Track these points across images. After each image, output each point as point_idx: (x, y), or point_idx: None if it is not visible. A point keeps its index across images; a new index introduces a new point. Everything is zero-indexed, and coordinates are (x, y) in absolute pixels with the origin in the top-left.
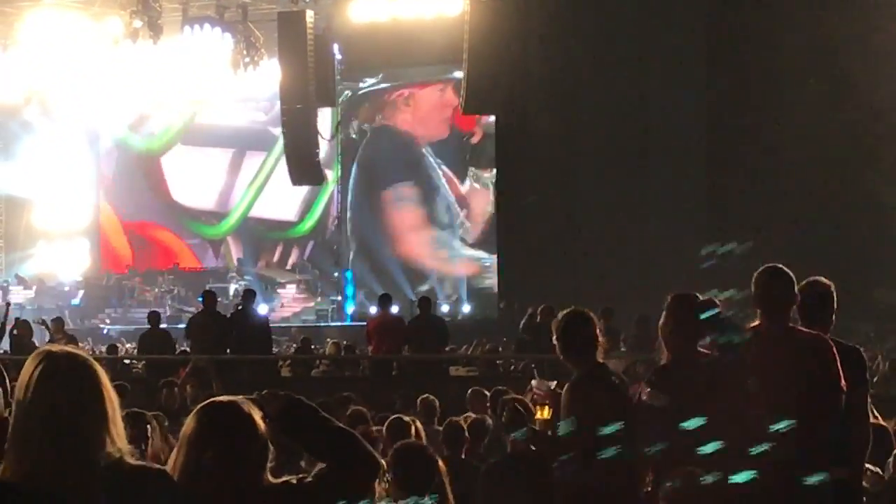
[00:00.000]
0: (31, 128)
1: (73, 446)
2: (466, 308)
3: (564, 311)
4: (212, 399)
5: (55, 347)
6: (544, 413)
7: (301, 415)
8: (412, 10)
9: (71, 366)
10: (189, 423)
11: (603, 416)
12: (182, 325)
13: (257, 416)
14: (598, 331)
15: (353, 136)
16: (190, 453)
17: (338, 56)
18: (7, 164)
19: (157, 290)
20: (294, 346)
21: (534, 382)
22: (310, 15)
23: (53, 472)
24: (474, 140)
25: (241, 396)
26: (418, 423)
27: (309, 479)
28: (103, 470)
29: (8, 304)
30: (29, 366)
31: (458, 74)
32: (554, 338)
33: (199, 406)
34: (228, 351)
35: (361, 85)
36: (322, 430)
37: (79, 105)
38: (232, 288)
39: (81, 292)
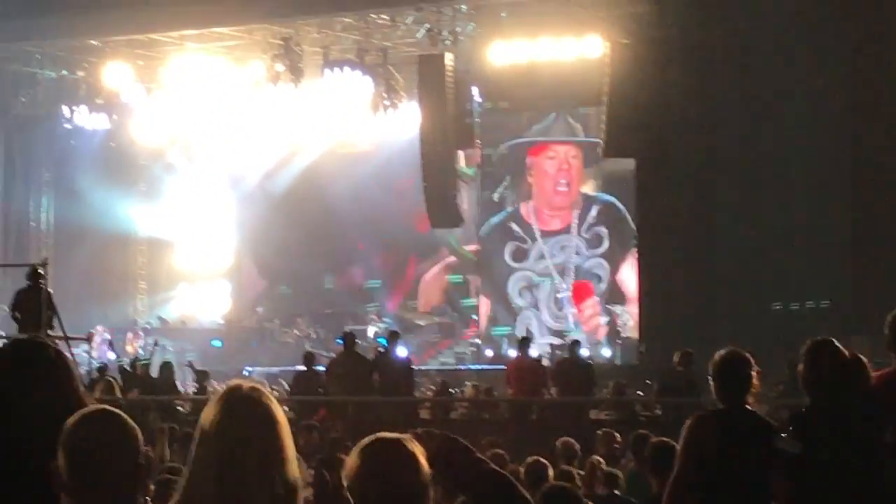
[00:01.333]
0: (173, 170)
1: (251, 484)
2: (606, 352)
3: (723, 351)
4: (376, 436)
5: (240, 383)
6: None
7: (456, 455)
8: (552, 52)
9: (253, 404)
10: (352, 458)
11: (708, 457)
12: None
13: (420, 454)
14: (753, 373)
15: (496, 199)
16: (353, 490)
17: (477, 98)
18: (150, 207)
19: (296, 331)
20: (432, 388)
21: None
22: (449, 58)
23: None
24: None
25: (405, 434)
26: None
27: None
28: None
29: (155, 343)
30: (213, 404)
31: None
32: (710, 376)
33: (363, 442)
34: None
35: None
36: (477, 472)
37: (220, 148)
38: (371, 330)
39: (222, 335)
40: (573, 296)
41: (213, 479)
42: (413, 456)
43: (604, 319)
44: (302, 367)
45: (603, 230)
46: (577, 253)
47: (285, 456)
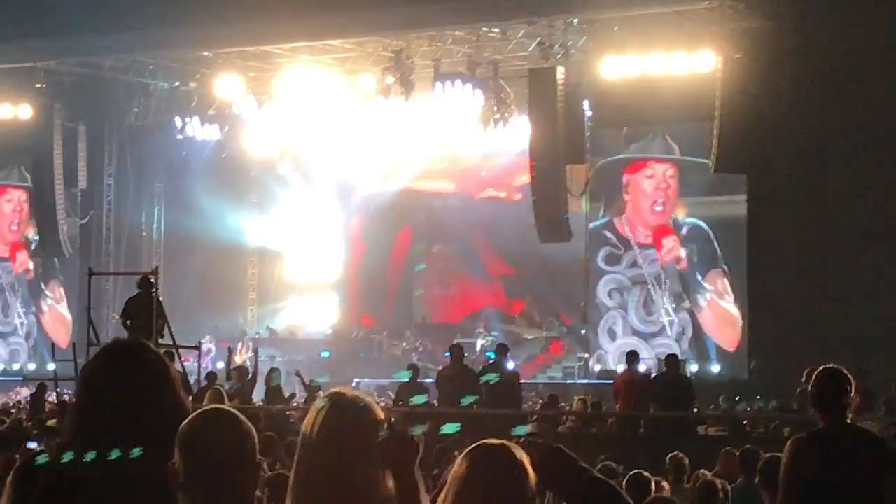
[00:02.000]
0: (284, 182)
1: (352, 489)
2: (715, 368)
3: (820, 368)
4: (483, 441)
5: (343, 390)
6: None
7: (561, 463)
8: (663, 66)
9: (355, 410)
10: (460, 463)
11: (810, 479)
12: (429, 381)
13: (527, 461)
14: (851, 389)
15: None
16: (460, 496)
17: (588, 112)
18: (261, 218)
19: (404, 344)
20: (541, 401)
21: None
22: (560, 71)
23: None
24: None
25: (510, 441)
26: (664, 482)
27: None
28: None
29: (255, 351)
30: (316, 408)
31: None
32: (809, 391)
33: (470, 448)
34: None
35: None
36: (582, 480)
37: (331, 159)
38: (479, 343)
39: (331, 346)
40: (653, 236)
41: (318, 485)
42: (520, 462)
43: (683, 251)
44: (405, 379)
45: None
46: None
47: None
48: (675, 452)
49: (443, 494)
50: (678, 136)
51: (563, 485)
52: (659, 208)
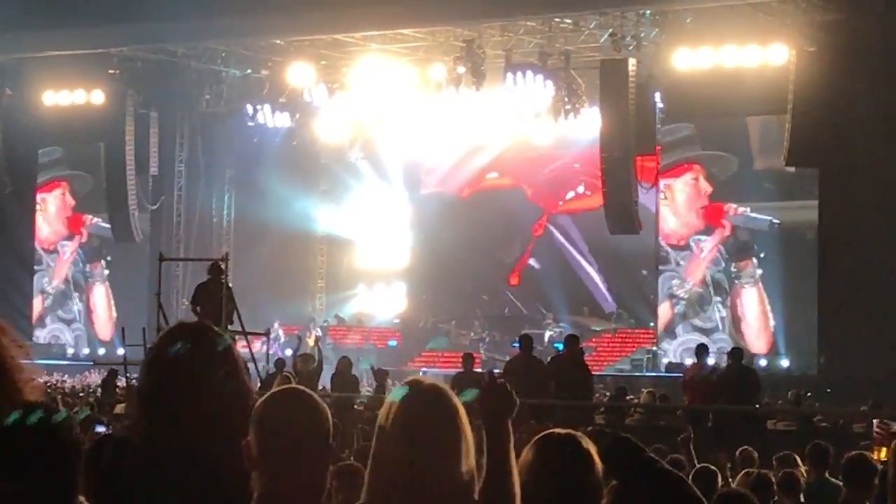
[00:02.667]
0: (354, 170)
1: (428, 476)
2: (784, 362)
3: None
4: (550, 431)
5: (420, 379)
6: (881, 454)
7: (629, 453)
8: (736, 58)
9: (433, 398)
10: (527, 453)
11: None
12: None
13: (594, 451)
14: None
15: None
16: (527, 485)
17: (659, 104)
18: (331, 206)
19: (472, 334)
20: (608, 394)
21: (875, 422)
22: (632, 63)
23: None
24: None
25: (577, 432)
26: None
27: None
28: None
29: (299, 338)
30: (393, 398)
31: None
32: None
33: (537, 437)
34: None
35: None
36: (650, 470)
37: (400, 148)
38: (546, 334)
39: (398, 334)
40: (704, 212)
41: (395, 475)
42: (586, 452)
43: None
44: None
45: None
46: (715, 264)
47: (465, 447)
48: (744, 447)
49: None
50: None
51: (631, 474)
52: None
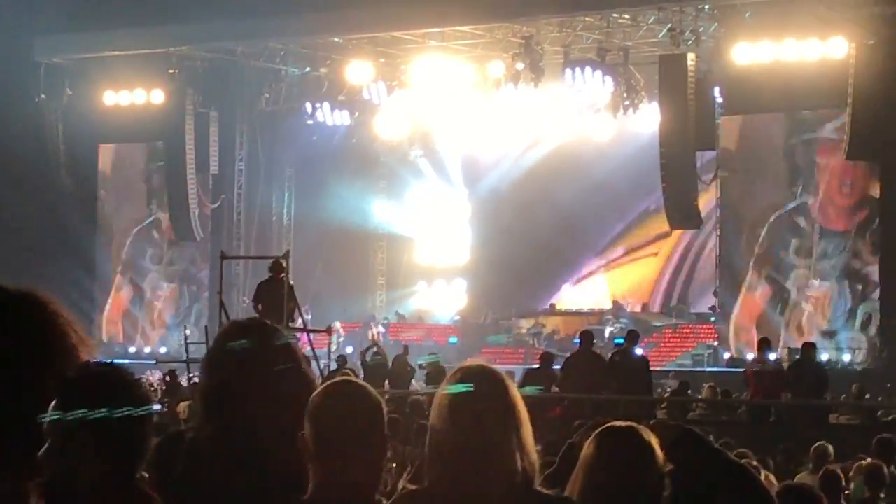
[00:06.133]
0: (413, 168)
1: (492, 462)
2: (846, 356)
3: None
4: (611, 424)
5: (467, 363)
6: None
7: (693, 446)
8: (796, 52)
9: (486, 380)
10: (588, 446)
11: None
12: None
13: (656, 444)
14: None
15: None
16: (589, 477)
17: (718, 99)
18: (391, 203)
19: (532, 330)
20: (670, 389)
21: None
22: (691, 58)
23: (469, 485)
24: None
25: (638, 424)
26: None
27: None
28: (516, 488)
29: (330, 330)
30: (447, 380)
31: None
32: None
33: (598, 430)
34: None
35: None
36: (716, 462)
37: (460, 146)
38: (607, 330)
39: (459, 332)
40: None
41: (452, 452)
42: (648, 444)
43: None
44: (535, 366)
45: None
46: (856, 256)
47: (520, 420)
48: (820, 442)
49: (573, 477)
50: None
51: (696, 466)
52: (847, 189)
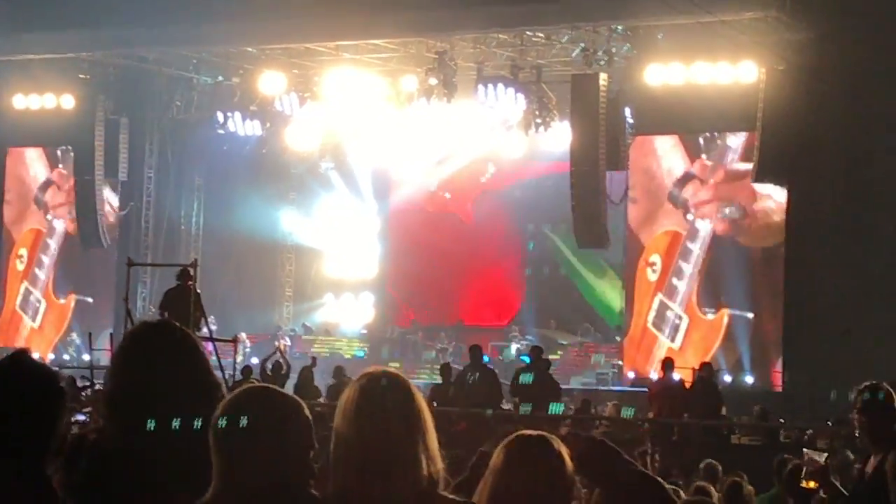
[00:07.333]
0: (324, 179)
1: (397, 468)
2: (749, 379)
3: (866, 385)
4: (521, 432)
5: (372, 369)
6: (809, 485)
7: (603, 458)
8: (707, 75)
9: (392, 385)
10: (498, 454)
11: None
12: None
13: (565, 453)
14: None
15: None
16: (497, 486)
17: (629, 119)
18: (300, 214)
19: (438, 345)
20: (572, 407)
21: (805, 451)
22: (603, 77)
23: (373, 495)
24: None
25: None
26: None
27: None
28: (422, 495)
29: (236, 340)
30: (352, 387)
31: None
32: (854, 411)
33: (508, 439)
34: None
35: None
36: (624, 474)
37: (370, 159)
38: (514, 346)
39: (365, 345)
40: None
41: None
42: (558, 453)
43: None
44: (439, 381)
45: None
46: None
47: (426, 427)
48: (709, 460)
49: (481, 485)
50: None
51: (608, 477)
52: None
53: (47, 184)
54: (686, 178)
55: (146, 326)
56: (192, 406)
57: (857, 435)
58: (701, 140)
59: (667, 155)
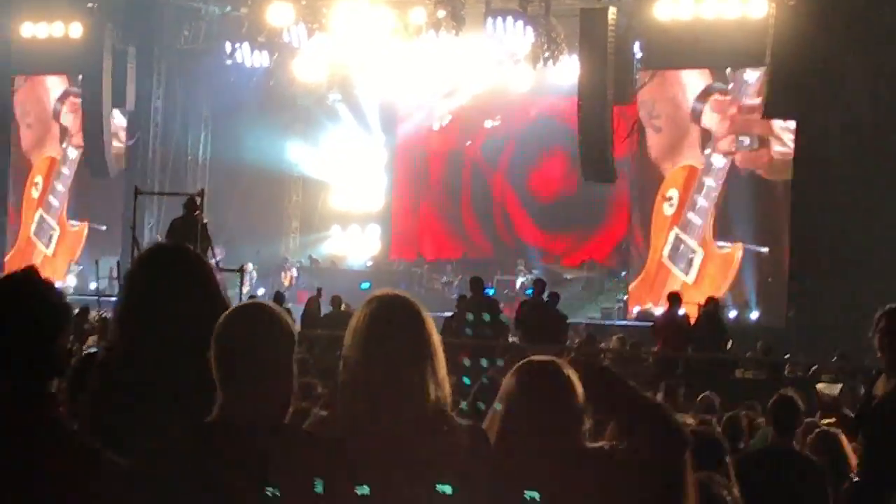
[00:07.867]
0: (331, 112)
1: (405, 393)
2: (754, 314)
3: (888, 308)
4: (530, 358)
5: (381, 292)
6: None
7: (611, 383)
8: (716, 9)
9: (401, 308)
10: (508, 380)
11: None
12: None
13: (575, 377)
14: None
15: None
16: (509, 410)
17: (637, 54)
18: (307, 147)
19: (444, 278)
20: (577, 340)
21: (819, 386)
22: (612, 11)
23: (381, 419)
24: None
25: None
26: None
27: (622, 446)
28: (429, 419)
29: (242, 270)
30: (361, 311)
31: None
32: (874, 335)
33: (518, 364)
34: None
35: None
36: (632, 400)
37: (378, 92)
38: (519, 280)
39: (371, 277)
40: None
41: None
42: (567, 377)
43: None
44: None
45: None
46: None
47: (434, 351)
48: (706, 392)
49: (491, 410)
50: None
51: (612, 402)
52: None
53: (64, 110)
54: (707, 92)
55: (161, 248)
56: (202, 327)
57: (878, 356)
58: (728, 71)
59: (691, 85)
